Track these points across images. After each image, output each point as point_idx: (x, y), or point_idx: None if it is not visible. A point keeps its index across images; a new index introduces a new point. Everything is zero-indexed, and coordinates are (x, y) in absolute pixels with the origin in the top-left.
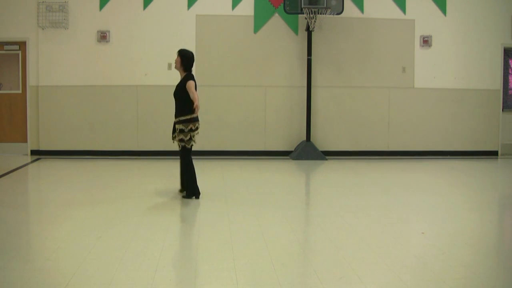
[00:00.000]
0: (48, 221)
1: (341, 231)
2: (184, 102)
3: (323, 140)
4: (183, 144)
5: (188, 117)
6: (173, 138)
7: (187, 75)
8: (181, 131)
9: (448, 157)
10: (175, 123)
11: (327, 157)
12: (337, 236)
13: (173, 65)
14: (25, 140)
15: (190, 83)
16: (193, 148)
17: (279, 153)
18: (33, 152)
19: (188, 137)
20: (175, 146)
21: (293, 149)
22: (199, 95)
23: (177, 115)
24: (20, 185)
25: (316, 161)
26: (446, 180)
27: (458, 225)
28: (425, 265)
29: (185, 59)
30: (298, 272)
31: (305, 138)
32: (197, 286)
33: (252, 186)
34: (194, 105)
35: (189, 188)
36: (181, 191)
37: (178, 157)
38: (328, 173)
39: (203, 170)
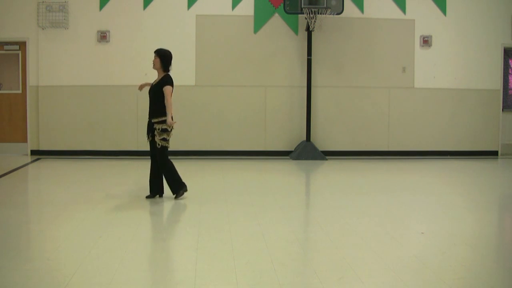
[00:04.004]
0: (48, 221)
1: (341, 231)
2: (160, 102)
3: (323, 140)
4: (164, 143)
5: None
6: (150, 137)
7: (166, 77)
8: (165, 130)
9: (448, 157)
10: (154, 123)
11: (327, 157)
12: (337, 236)
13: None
14: (25, 140)
15: (168, 90)
16: (193, 148)
17: (279, 153)
18: (33, 152)
19: (170, 136)
20: (173, 146)
21: (293, 149)
22: (199, 95)
23: (157, 114)
24: (20, 185)
25: (316, 161)
26: (446, 180)
27: (458, 225)
28: (425, 265)
29: (164, 59)
30: (298, 272)
31: (305, 138)
32: (197, 286)
33: (252, 186)
34: (168, 121)
35: (175, 185)
36: (149, 196)
37: (180, 156)
38: (328, 173)
39: (203, 170)
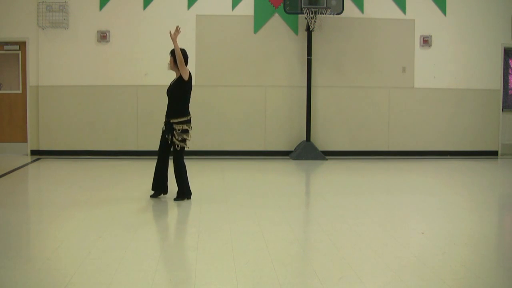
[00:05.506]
0: (48, 221)
1: (341, 231)
2: (181, 102)
3: (323, 140)
4: (183, 144)
5: (189, 117)
6: (171, 138)
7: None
8: (185, 131)
9: (448, 157)
10: (173, 123)
11: (327, 157)
12: (337, 236)
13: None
14: (25, 140)
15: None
16: (192, 148)
17: (279, 153)
18: (33, 152)
19: (189, 137)
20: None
21: (293, 149)
22: (199, 95)
23: (176, 115)
24: (20, 185)
25: (316, 161)
26: (446, 180)
27: (458, 225)
28: (425, 265)
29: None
30: (298, 272)
31: (305, 138)
32: (197, 286)
33: (252, 186)
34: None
35: (183, 189)
36: (153, 195)
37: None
38: (328, 173)
39: (202, 170)
